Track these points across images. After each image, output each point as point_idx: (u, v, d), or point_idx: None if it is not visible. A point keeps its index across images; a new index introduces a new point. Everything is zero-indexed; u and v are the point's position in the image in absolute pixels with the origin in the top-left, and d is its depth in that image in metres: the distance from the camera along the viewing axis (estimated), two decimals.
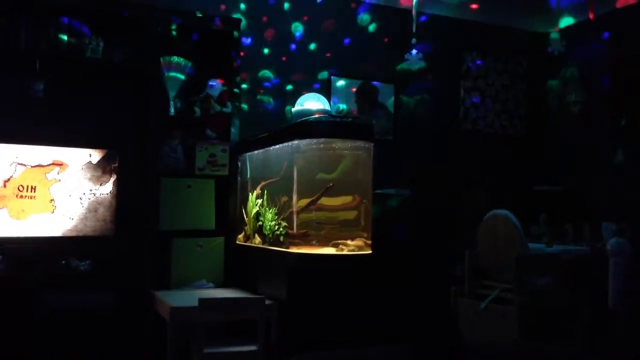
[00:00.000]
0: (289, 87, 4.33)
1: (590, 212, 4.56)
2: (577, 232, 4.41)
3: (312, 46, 4.42)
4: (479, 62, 4.98)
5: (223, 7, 4.12)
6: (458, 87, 4.92)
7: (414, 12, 3.93)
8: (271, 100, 4.27)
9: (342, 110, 4.43)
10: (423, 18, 4.58)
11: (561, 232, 4.41)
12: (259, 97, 4.24)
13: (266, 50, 4.28)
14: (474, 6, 3.72)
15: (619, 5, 3.30)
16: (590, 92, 4.73)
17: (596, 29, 4.56)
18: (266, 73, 4.26)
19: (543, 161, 5.12)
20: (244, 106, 4.15)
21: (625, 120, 4.38)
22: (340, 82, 4.50)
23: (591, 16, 3.45)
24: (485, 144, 4.99)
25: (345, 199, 3.24)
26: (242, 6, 4.19)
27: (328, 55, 4.46)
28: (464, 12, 4.81)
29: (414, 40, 3.95)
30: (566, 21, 4.88)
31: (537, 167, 5.10)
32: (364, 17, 4.58)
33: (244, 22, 4.12)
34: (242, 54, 4.10)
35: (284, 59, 4.33)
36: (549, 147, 5.11)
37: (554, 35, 4.35)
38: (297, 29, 4.37)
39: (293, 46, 4.37)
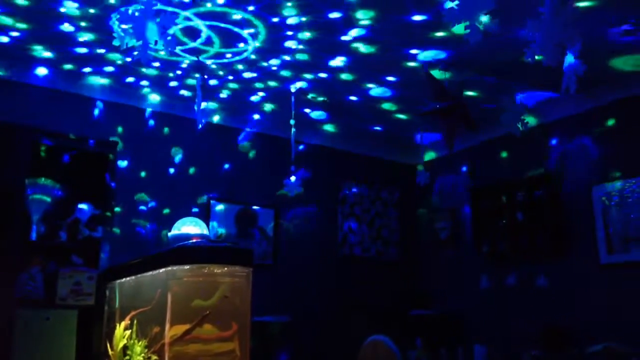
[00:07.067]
0: (166, 211, 4.21)
1: (462, 336, 4.70)
2: (452, 356, 4.50)
3: (192, 170, 4.41)
4: (354, 189, 5.22)
5: (99, 129, 4.03)
6: (336, 213, 5.07)
7: (292, 140, 4.11)
8: (147, 224, 4.11)
9: (221, 234, 4.36)
10: (302, 147, 4.78)
11: (437, 356, 4.48)
12: (133, 221, 4.07)
13: (143, 174, 4.19)
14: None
15: None
16: (455, 220, 5.07)
17: (456, 162, 5.02)
18: (142, 196, 4.14)
19: (417, 286, 5.29)
20: (117, 230, 3.96)
21: (486, 247, 4.68)
22: (220, 207, 4.48)
23: (449, 150, 3.80)
24: (362, 269, 5.09)
25: (222, 328, 3.08)
26: (119, 129, 4.13)
27: (207, 179, 4.46)
28: (340, 143, 5.12)
29: (292, 168, 4.08)
30: (430, 155, 5.34)
31: (412, 292, 5.25)
32: (244, 144, 4.69)
33: (120, 145, 4.05)
34: (117, 176, 3.98)
35: (161, 182, 4.25)
36: (422, 272, 5.33)
37: (420, 167, 4.73)
38: (177, 153, 4.36)
39: (171, 170, 4.32)
